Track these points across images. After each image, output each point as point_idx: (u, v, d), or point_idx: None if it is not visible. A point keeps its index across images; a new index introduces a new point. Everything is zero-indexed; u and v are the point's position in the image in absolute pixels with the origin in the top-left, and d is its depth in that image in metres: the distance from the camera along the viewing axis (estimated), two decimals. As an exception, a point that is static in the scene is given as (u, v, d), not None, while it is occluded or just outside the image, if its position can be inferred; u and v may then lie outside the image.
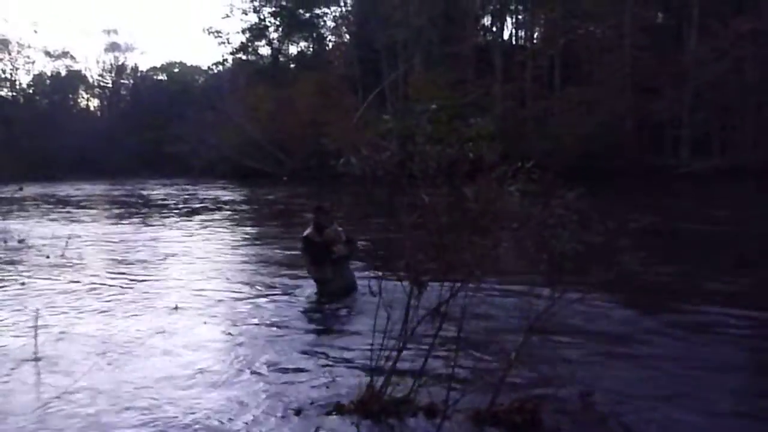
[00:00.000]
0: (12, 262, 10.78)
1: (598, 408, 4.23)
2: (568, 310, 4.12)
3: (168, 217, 20.25)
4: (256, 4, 54.44)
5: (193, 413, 4.29)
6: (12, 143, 50.81)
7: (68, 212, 22.59)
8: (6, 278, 9.38)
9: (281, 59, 57.03)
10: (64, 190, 36.72)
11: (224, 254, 11.99)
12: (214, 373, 5.08)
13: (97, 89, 72.33)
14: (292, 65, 55.93)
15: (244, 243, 13.70)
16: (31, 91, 70.12)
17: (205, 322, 6.69)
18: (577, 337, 5.74)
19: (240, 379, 4.95)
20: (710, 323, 6.34)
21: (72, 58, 70.74)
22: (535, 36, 42.98)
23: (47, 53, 69.55)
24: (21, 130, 55.86)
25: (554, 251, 3.84)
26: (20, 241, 13.46)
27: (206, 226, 16.89)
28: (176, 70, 72.15)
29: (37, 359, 5.47)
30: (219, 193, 31.08)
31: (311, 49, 56.41)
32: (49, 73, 70.55)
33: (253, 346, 5.82)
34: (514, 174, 3.96)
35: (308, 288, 8.02)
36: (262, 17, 54.85)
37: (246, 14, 54.86)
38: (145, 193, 33.03)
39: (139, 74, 71.86)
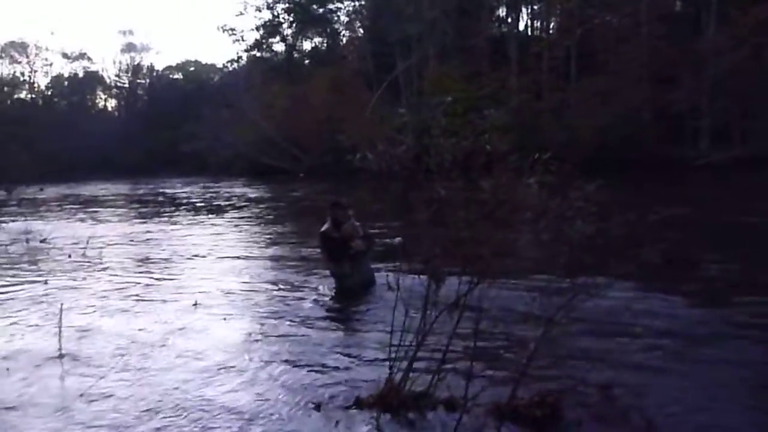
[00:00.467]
0: (35, 262, 10.92)
1: (620, 402, 4.21)
2: (588, 303, 4.08)
3: (195, 215, 20.31)
4: (270, 0, 54.61)
5: (213, 410, 4.32)
6: (32, 145, 51.30)
7: (92, 212, 22.82)
8: (29, 277, 9.51)
9: (295, 55, 57.14)
10: (86, 190, 37.11)
11: (248, 251, 12.03)
12: (233, 369, 5.12)
13: (114, 89, 72.97)
14: (306, 61, 56.07)
15: (269, 240, 13.71)
16: (49, 93, 70.94)
17: (224, 319, 6.74)
18: (598, 331, 5.68)
19: (259, 375, 4.98)
20: (738, 316, 6.24)
21: (89, 59, 71.53)
22: (551, 27, 42.60)
23: (65, 55, 70.37)
24: (40, 132, 56.46)
25: (573, 243, 3.81)
26: (42, 241, 13.64)
27: (235, 224, 16.99)
28: (191, 68, 72.57)
29: (61, 356, 5.54)
30: (244, 190, 31.12)
31: (325, 45, 56.45)
32: (66, 75, 71.38)
33: (272, 342, 5.85)
34: (531, 166, 3.93)
35: (327, 284, 8.04)
36: (275, 14, 55.06)
37: (260, 11, 55.13)
38: (169, 191, 33.25)
39: (155, 74, 72.36)
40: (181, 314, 6.96)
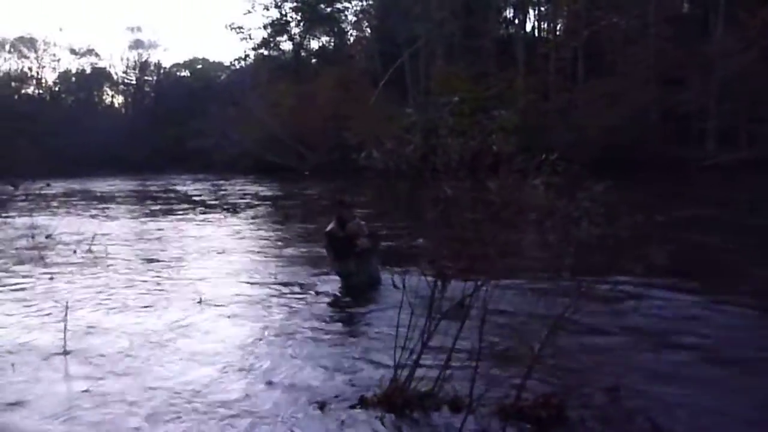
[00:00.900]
0: (41, 258, 10.95)
1: (625, 403, 4.19)
2: (594, 304, 4.07)
3: (202, 212, 20.20)
4: (278, -1, 54.65)
5: (217, 409, 4.32)
6: (39, 140, 51.45)
7: (99, 208, 22.87)
8: (35, 273, 9.53)
9: (303, 54, 57.19)
10: (93, 185, 37.20)
11: (255, 250, 12.03)
12: (237, 368, 5.12)
13: (122, 86, 73.02)
14: (313, 60, 56.11)
15: (277, 239, 13.67)
16: (57, 89, 71.06)
17: (229, 317, 6.74)
18: (604, 332, 5.68)
19: (264, 374, 4.97)
20: (752, 318, 6.23)
21: (97, 55, 71.59)
22: (558, 28, 42.54)
23: (72, 51, 70.45)
24: (47, 127, 56.62)
25: (579, 244, 3.80)
26: (48, 237, 13.67)
27: (243, 222, 16.98)
28: (199, 66, 72.69)
29: (65, 353, 5.55)
30: (256, 188, 30.93)
31: (332, 44, 56.51)
32: (74, 71, 71.46)
33: (276, 341, 5.85)
34: (538, 167, 3.92)
35: (332, 283, 8.04)
36: (283, 12, 55.09)
37: (267, 10, 55.16)
38: (175, 188, 33.28)
39: (162, 71, 72.47)
40: (187, 312, 6.97)
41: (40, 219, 17.80)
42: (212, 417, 4.18)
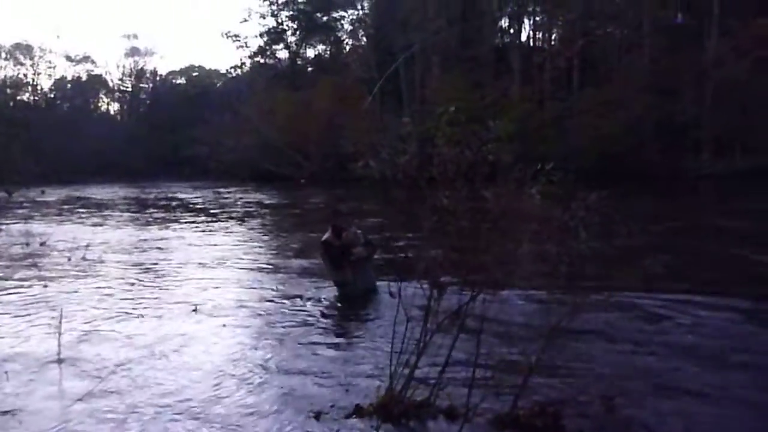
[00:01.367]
0: (35, 265, 10.90)
1: (621, 413, 4.19)
2: (589, 313, 4.08)
3: (195, 219, 20.18)
4: (274, 8, 54.86)
5: (211, 418, 4.30)
6: (34, 147, 51.23)
7: (94, 215, 22.81)
8: (29, 280, 9.49)
9: (299, 62, 57.28)
10: (88, 192, 37.12)
11: (251, 258, 12.00)
12: (231, 376, 5.10)
13: (117, 93, 72.97)
14: (309, 68, 56.18)
15: (274, 248, 13.70)
16: (52, 96, 70.91)
17: (224, 326, 6.72)
18: (599, 341, 5.68)
19: (259, 382, 4.96)
20: (749, 325, 6.24)
21: (93, 62, 71.54)
22: (554, 37, 42.74)
23: (68, 58, 70.31)
24: (42, 134, 56.41)
25: (575, 254, 3.81)
26: (42, 244, 13.60)
27: (237, 230, 16.99)
28: (195, 73, 72.71)
29: (60, 361, 5.53)
30: (259, 197, 30.74)
31: (329, 53, 56.59)
32: (70, 78, 71.34)
33: (273, 350, 5.84)
34: (533, 176, 3.93)
35: (329, 291, 8.04)
36: (279, 21, 55.27)
37: (264, 18, 55.34)
38: (169, 196, 33.21)
39: (158, 78, 72.46)
40: (181, 320, 6.95)
41: (35, 226, 17.74)
42: (207, 426, 4.16)
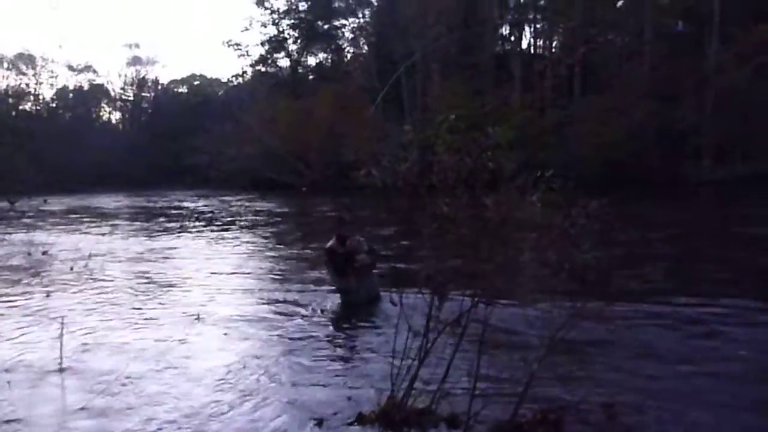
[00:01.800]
0: (37, 274, 10.92)
1: (622, 420, 4.19)
2: (590, 321, 4.08)
3: (199, 228, 20.10)
4: (275, 16, 55.06)
5: (213, 426, 4.30)
6: (36, 156, 51.31)
7: (95, 224, 22.82)
8: (31, 290, 9.50)
9: (300, 71, 57.41)
10: (90, 202, 37.10)
11: (254, 267, 12.04)
12: (234, 385, 5.11)
13: (119, 102, 73.19)
14: (311, 77, 56.28)
15: (278, 256, 13.62)
16: (54, 105, 71.10)
17: (225, 334, 6.73)
18: (600, 349, 5.68)
19: (261, 390, 4.96)
20: (747, 334, 6.23)
21: (94, 72, 71.76)
22: (554, 45, 42.83)
23: (70, 67, 70.54)
24: (44, 144, 56.53)
25: (575, 261, 3.81)
26: (45, 253, 13.61)
27: (240, 238, 16.95)
28: (197, 82, 72.94)
29: (62, 370, 5.53)
30: (266, 205, 30.63)
31: (330, 61, 56.72)
32: (71, 87, 71.59)
33: (275, 357, 5.84)
34: (534, 183, 3.95)
35: (332, 299, 8.05)
36: (281, 29, 55.44)
37: (265, 27, 55.52)
38: (171, 204, 33.20)
39: (160, 87, 72.66)
40: (183, 329, 6.95)
41: (37, 235, 17.75)
42: (209, 434, 4.17)
